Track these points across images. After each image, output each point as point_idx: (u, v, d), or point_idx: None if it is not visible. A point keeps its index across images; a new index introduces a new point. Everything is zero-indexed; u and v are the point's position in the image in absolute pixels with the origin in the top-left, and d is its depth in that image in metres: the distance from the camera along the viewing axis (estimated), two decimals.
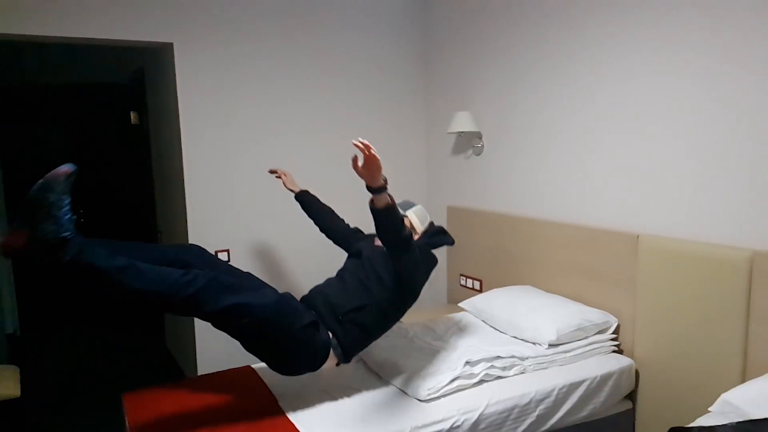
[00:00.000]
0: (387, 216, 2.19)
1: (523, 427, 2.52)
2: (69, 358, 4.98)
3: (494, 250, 3.80)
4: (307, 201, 3.19)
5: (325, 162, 4.07)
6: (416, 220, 2.77)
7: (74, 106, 5.74)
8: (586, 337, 2.86)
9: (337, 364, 2.46)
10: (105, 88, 5.74)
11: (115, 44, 3.54)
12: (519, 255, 3.58)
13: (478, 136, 3.88)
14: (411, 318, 3.36)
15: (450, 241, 2.79)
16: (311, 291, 2.58)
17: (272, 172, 3.35)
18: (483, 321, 3.24)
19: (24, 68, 5.80)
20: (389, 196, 2.17)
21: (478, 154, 3.93)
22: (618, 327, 2.96)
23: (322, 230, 3.13)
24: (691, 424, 1.91)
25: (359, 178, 2.12)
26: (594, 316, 2.90)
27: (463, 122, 3.74)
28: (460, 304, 3.47)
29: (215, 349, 3.81)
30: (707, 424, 1.89)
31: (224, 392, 2.63)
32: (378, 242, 2.72)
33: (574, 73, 3.16)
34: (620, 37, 2.88)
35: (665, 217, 2.75)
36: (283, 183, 3.29)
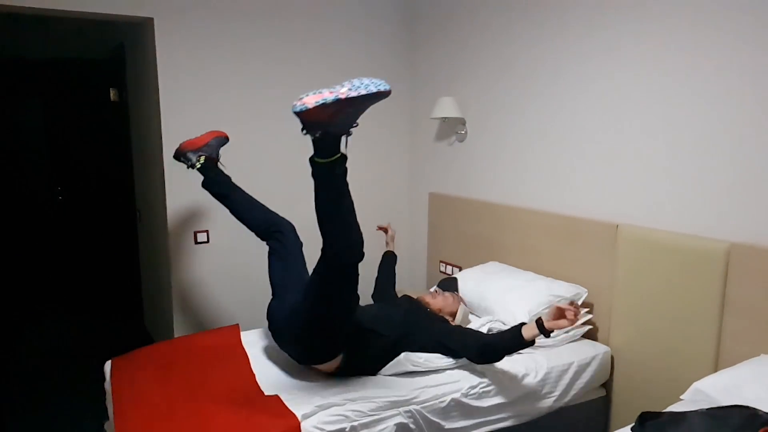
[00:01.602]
0: (521, 346, 2.37)
1: (497, 412, 2.54)
2: (46, 340, 4.91)
3: (474, 237, 3.81)
4: (387, 260, 3.36)
5: (306, 143, 4.03)
6: (460, 317, 2.91)
7: (52, 81, 5.62)
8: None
9: (336, 370, 2.53)
10: (84, 63, 5.63)
11: (94, 17, 3.46)
12: (499, 242, 3.59)
13: (462, 122, 3.87)
14: None
15: None
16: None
17: (383, 229, 3.47)
18: None
19: (1, 42, 5.67)
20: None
21: (462, 141, 3.92)
22: (591, 305, 3.00)
23: (377, 284, 3.28)
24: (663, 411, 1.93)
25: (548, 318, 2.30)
26: (562, 289, 2.94)
27: (446, 108, 3.72)
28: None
29: (193, 330, 3.80)
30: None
31: (209, 353, 2.71)
32: (434, 323, 2.77)
33: (558, 64, 3.15)
34: (605, 30, 2.88)
35: (645, 207, 2.76)
36: (387, 241, 3.45)
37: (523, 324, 2.37)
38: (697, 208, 2.53)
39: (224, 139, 3.14)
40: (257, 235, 2.98)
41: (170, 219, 3.66)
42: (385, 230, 3.48)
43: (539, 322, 2.28)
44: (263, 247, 4.00)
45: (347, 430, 2.20)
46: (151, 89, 3.75)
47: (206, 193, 3.73)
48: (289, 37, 3.90)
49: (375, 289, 3.28)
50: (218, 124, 3.72)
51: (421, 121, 4.31)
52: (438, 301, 2.94)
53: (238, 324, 3.04)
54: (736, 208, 2.39)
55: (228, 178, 3.07)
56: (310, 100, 1.93)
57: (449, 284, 3.29)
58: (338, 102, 1.93)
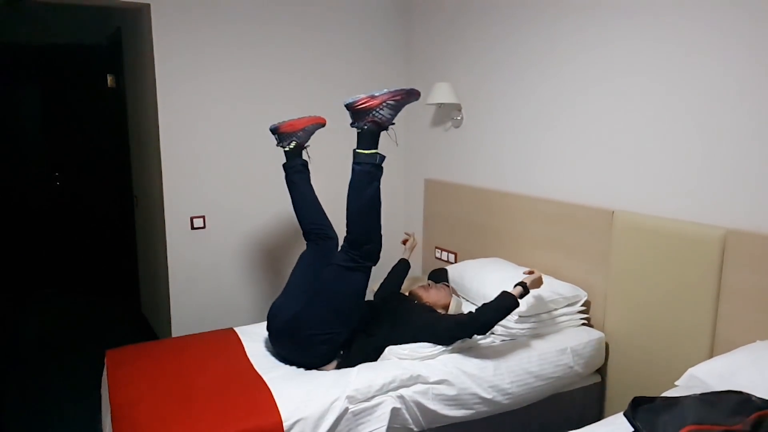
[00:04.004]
0: (510, 301, 2.53)
1: (492, 398, 2.54)
2: (43, 323, 4.92)
3: (470, 224, 3.80)
4: (401, 267, 3.34)
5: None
6: (453, 308, 2.92)
7: (50, 67, 5.59)
8: (555, 309, 2.87)
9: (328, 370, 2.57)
10: (81, 49, 5.60)
11: (91, 3, 3.44)
12: (495, 228, 3.59)
13: (458, 108, 3.85)
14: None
15: None
16: None
17: (406, 241, 3.48)
18: None
19: None
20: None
21: (457, 127, 3.91)
22: (588, 302, 2.99)
23: (383, 286, 3.26)
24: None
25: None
26: (564, 289, 2.92)
27: (442, 93, 3.70)
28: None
29: (190, 315, 3.80)
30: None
31: (205, 352, 2.68)
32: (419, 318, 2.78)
33: (555, 51, 3.13)
34: (602, 16, 2.85)
35: (641, 193, 2.76)
36: (408, 247, 3.43)
37: (504, 291, 2.56)
38: (693, 195, 2.53)
39: (321, 126, 3.18)
40: (303, 232, 3.03)
41: (167, 204, 3.65)
42: (405, 242, 3.47)
43: (520, 283, 2.59)
44: (259, 233, 4.03)
45: (342, 416, 2.22)
46: (148, 75, 3.73)
47: (202, 179, 3.75)
48: (287, 25, 3.87)
49: (379, 290, 3.26)
50: (215, 111, 3.71)
51: (417, 107, 4.29)
52: (431, 294, 2.94)
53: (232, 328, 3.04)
54: (733, 194, 2.38)
55: (307, 170, 3.13)
56: (360, 95, 2.53)
57: (439, 276, 3.28)
58: (383, 94, 2.55)
